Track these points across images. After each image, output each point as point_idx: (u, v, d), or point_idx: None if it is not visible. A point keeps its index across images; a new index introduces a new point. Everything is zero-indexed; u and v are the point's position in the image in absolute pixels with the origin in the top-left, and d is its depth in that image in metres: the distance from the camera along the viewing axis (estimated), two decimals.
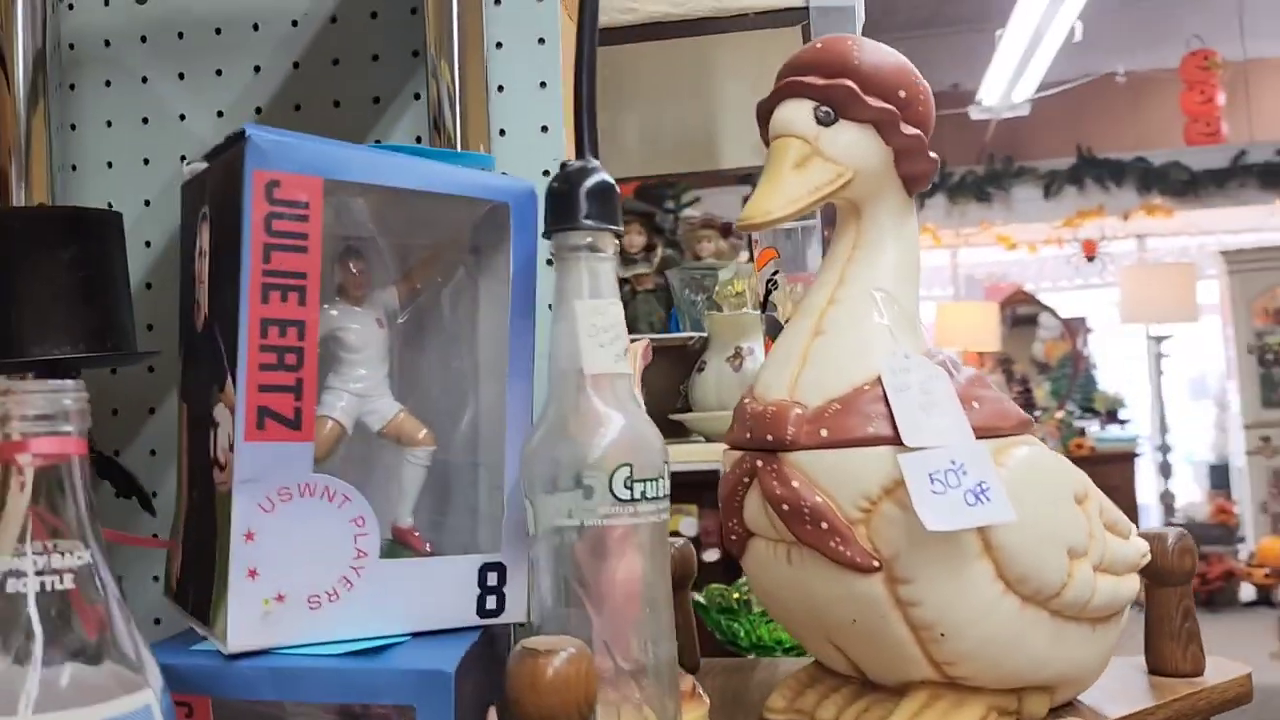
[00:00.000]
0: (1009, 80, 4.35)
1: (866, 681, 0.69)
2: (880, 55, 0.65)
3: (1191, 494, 5.55)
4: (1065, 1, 3.61)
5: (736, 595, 1.21)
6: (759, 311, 0.96)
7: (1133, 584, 0.68)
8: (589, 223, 0.54)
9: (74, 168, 0.83)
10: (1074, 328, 5.26)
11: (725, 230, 2.35)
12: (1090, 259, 5.19)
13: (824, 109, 0.64)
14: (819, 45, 0.66)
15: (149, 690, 0.44)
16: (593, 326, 0.54)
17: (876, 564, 0.61)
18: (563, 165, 0.55)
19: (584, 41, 0.55)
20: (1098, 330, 5.52)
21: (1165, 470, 5.09)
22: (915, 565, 0.60)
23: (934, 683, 0.64)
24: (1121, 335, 5.58)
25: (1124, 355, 5.68)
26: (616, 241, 0.56)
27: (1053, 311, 5.26)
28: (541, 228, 0.56)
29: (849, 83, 0.64)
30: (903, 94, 0.65)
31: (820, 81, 0.64)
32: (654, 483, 0.55)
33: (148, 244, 0.82)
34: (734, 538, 0.68)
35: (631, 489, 0.54)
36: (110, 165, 0.83)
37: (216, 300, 0.57)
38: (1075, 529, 0.64)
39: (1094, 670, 0.69)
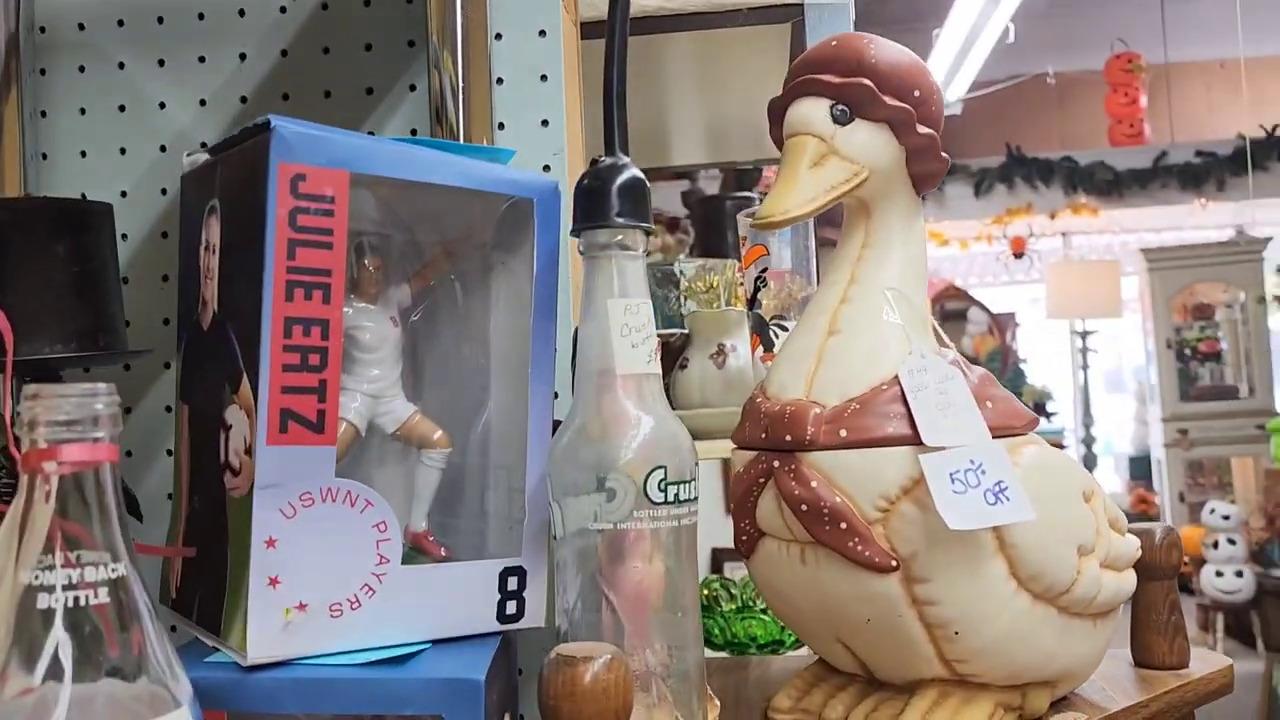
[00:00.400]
0: (944, 80, 4.42)
1: (873, 680, 0.69)
2: (896, 54, 0.65)
3: (1113, 485, 5.72)
4: (1000, 2, 3.68)
5: (707, 592, 1.21)
6: (745, 308, 0.96)
7: (1132, 579, 0.70)
8: (620, 220, 0.54)
9: (45, 156, 0.80)
10: (1003, 323, 5.38)
11: (671, 225, 2.34)
12: (1018, 256, 5.31)
13: (840, 107, 0.64)
14: (834, 43, 0.65)
15: (184, 709, 0.42)
16: (625, 326, 0.53)
17: (895, 564, 0.61)
18: (593, 161, 0.54)
19: (615, 34, 0.54)
20: (1025, 325, 5.65)
21: (1089, 462, 5.23)
22: (933, 564, 0.60)
23: (943, 680, 0.65)
24: (1048, 330, 5.72)
25: (1050, 350, 5.82)
26: (646, 239, 0.55)
27: (983, 306, 5.36)
28: (570, 225, 0.55)
29: (866, 81, 0.63)
30: (917, 93, 0.65)
31: (836, 80, 0.64)
32: (686, 485, 0.54)
33: (124, 237, 0.79)
34: (745, 538, 0.67)
35: (665, 491, 0.53)
36: (84, 154, 0.80)
37: (229, 297, 0.55)
38: (1084, 526, 0.65)
39: (1093, 665, 0.70)
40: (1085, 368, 5.27)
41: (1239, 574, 4.08)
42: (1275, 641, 3.85)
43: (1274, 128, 4.85)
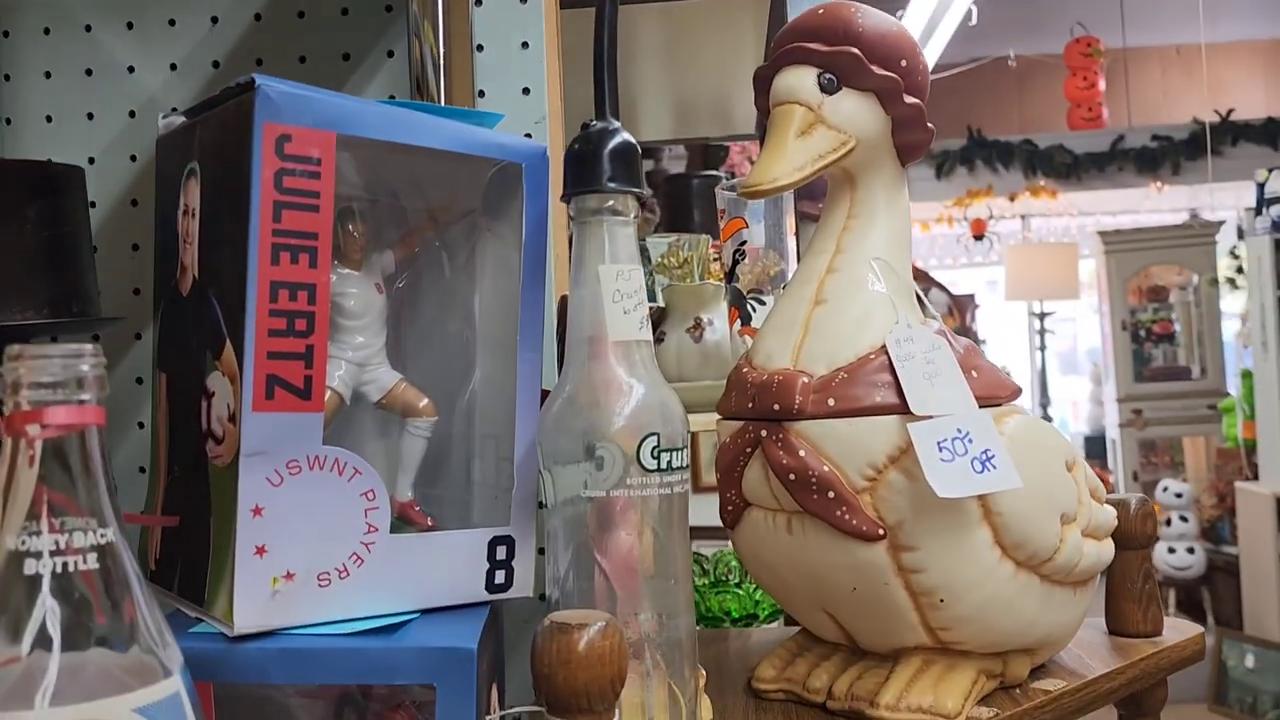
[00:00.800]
0: None
1: (856, 649, 0.69)
2: (883, 23, 0.65)
3: None
4: None
5: None
6: (723, 282, 0.96)
7: (1111, 547, 0.71)
8: (612, 185, 0.53)
9: (9, 121, 0.77)
10: (962, 304, 5.43)
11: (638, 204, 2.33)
12: (978, 238, 5.35)
13: (828, 76, 0.64)
14: (821, 11, 0.65)
15: (175, 678, 0.41)
16: (617, 292, 0.53)
17: (881, 532, 0.61)
18: (584, 126, 0.54)
19: None
20: (984, 307, 5.71)
21: None
22: (919, 533, 0.61)
23: (926, 649, 0.65)
24: (1006, 312, 5.78)
25: (1009, 331, 5.88)
26: (638, 205, 0.55)
27: (943, 288, 5.41)
28: (559, 190, 0.54)
29: (854, 50, 0.63)
30: (904, 63, 0.65)
31: (824, 48, 0.64)
32: (679, 453, 0.54)
33: (93, 205, 0.77)
34: (730, 508, 0.67)
35: (658, 459, 0.53)
36: (49, 119, 0.78)
37: (211, 262, 0.54)
38: (1067, 495, 0.65)
39: (1072, 632, 0.71)
40: (1043, 349, 5.33)
41: (1190, 551, 4.16)
42: (1225, 616, 3.94)
43: (1228, 112, 4.93)
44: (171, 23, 0.77)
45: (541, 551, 0.64)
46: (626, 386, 0.53)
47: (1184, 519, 4.23)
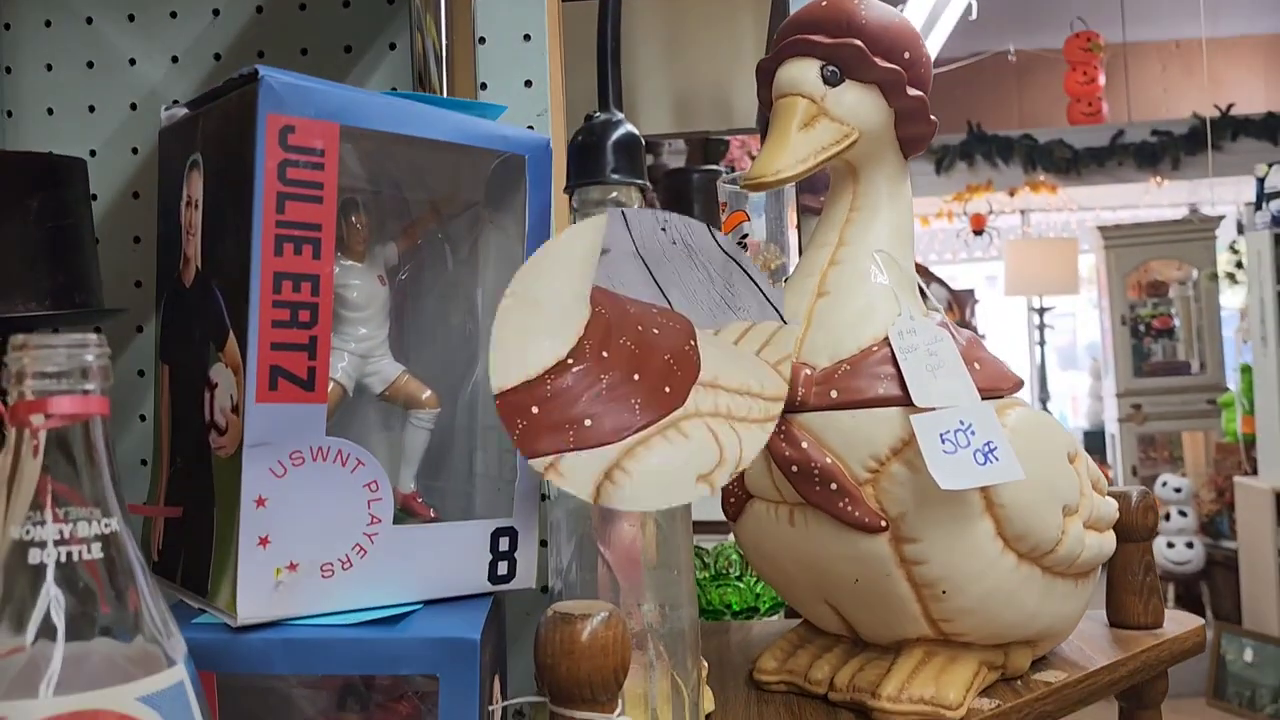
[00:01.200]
0: None
1: (858, 641, 0.69)
2: (886, 15, 0.65)
3: None
4: None
5: None
6: None
7: (1112, 539, 0.71)
8: (616, 177, 0.53)
9: (10, 114, 0.77)
10: (962, 299, 5.43)
11: None
12: (978, 233, 5.35)
13: (831, 68, 0.64)
14: (823, 3, 0.65)
15: (179, 667, 0.42)
16: None
17: (884, 524, 0.61)
18: (588, 117, 0.54)
19: None
20: (983, 302, 5.71)
21: None
22: (921, 524, 0.61)
23: (928, 640, 0.65)
24: (1006, 307, 5.78)
25: (1008, 326, 5.88)
26: (641, 196, 0.55)
27: (943, 283, 5.41)
28: (562, 182, 0.54)
29: (857, 42, 0.63)
30: (907, 55, 0.65)
31: (827, 40, 0.64)
32: None
33: (94, 197, 0.77)
34: (733, 500, 0.67)
35: None
36: (51, 112, 0.77)
37: (214, 253, 0.54)
38: (1069, 487, 0.65)
39: (1074, 624, 0.71)
40: (1042, 344, 5.34)
41: (1189, 545, 4.16)
42: (1224, 611, 3.94)
43: (1228, 107, 4.93)
44: (173, 15, 0.77)
45: (544, 543, 0.64)
46: None
47: (1183, 514, 4.24)
